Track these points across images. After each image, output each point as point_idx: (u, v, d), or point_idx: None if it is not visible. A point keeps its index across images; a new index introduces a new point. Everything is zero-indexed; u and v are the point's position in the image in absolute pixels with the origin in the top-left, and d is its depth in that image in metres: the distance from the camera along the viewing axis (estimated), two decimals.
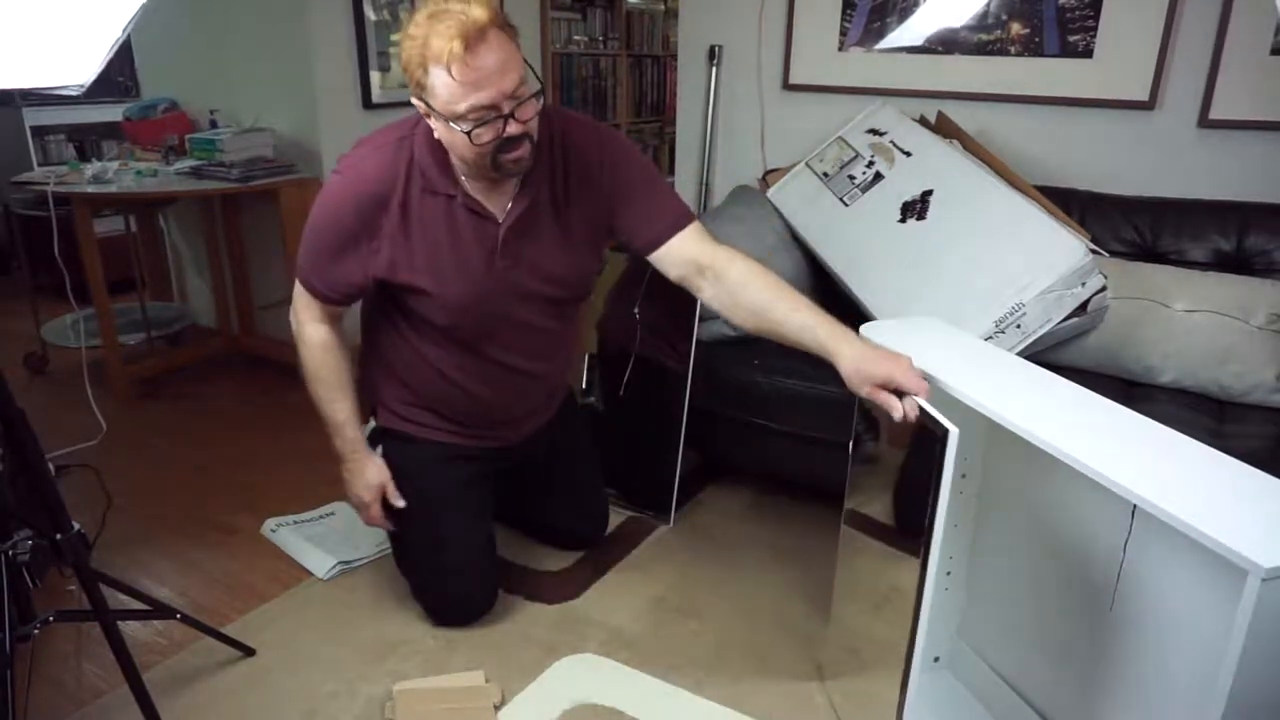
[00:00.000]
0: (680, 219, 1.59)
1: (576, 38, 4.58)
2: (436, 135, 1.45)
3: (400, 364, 1.71)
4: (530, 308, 1.65)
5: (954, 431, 1.14)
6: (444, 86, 1.33)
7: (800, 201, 2.35)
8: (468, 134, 1.36)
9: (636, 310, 2.13)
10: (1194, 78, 2.16)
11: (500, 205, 1.55)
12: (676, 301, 2.04)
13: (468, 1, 1.33)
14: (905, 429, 1.32)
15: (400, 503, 1.74)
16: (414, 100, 1.42)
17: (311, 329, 1.67)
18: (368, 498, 1.73)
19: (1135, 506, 1.09)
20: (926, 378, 1.29)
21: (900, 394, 1.28)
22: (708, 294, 1.56)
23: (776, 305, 1.48)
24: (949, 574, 1.56)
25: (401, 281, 1.56)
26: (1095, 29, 2.24)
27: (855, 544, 1.54)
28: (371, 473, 1.73)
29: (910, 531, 1.37)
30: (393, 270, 1.55)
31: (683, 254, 1.57)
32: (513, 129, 1.38)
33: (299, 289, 1.65)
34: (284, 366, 3.09)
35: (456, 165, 1.51)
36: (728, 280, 1.52)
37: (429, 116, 1.42)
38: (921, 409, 1.23)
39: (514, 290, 1.61)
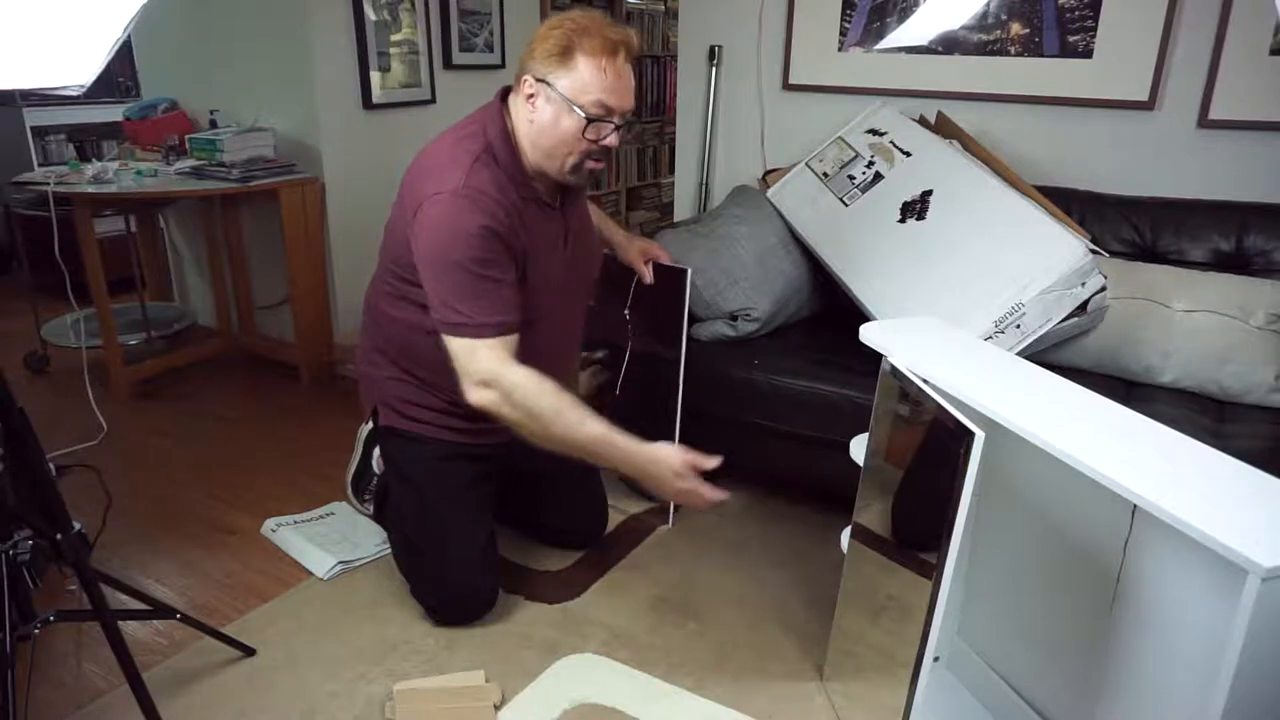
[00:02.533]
0: None
1: None
2: (533, 118, 1.54)
3: (422, 363, 1.71)
4: (578, 289, 1.80)
5: (979, 435, 1.14)
6: (585, 75, 1.48)
7: (800, 201, 2.35)
8: (585, 122, 1.50)
9: (627, 311, 2.13)
10: (1194, 78, 2.16)
11: (553, 198, 1.68)
12: (663, 304, 2.03)
13: (624, 29, 1.52)
14: (912, 442, 1.33)
15: (712, 463, 1.50)
16: (529, 78, 1.52)
17: (515, 373, 1.50)
18: (687, 467, 1.48)
19: (1135, 506, 1.10)
20: (930, 381, 1.30)
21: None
22: None
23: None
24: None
25: (531, 279, 1.62)
26: (1095, 29, 2.24)
27: (855, 554, 1.54)
28: (669, 454, 1.49)
29: (907, 543, 1.37)
30: (529, 269, 1.61)
31: None
32: (613, 140, 1.54)
33: (473, 350, 1.49)
34: (284, 366, 3.10)
35: (532, 164, 1.59)
36: None
37: (535, 99, 1.52)
38: (946, 411, 1.22)
39: (575, 272, 1.76)
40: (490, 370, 1.50)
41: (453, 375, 1.68)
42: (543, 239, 1.64)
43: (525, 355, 1.74)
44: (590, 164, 1.57)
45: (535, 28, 1.58)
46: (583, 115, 1.50)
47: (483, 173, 1.54)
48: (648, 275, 2.00)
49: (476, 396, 1.52)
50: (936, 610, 1.21)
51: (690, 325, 2.07)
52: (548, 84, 1.50)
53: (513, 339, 1.54)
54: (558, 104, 1.51)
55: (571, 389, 1.97)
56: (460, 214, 1.50)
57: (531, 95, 1.53)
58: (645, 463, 1.50)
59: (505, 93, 1.63)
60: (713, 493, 1.50)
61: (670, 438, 2.08)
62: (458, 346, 1.51)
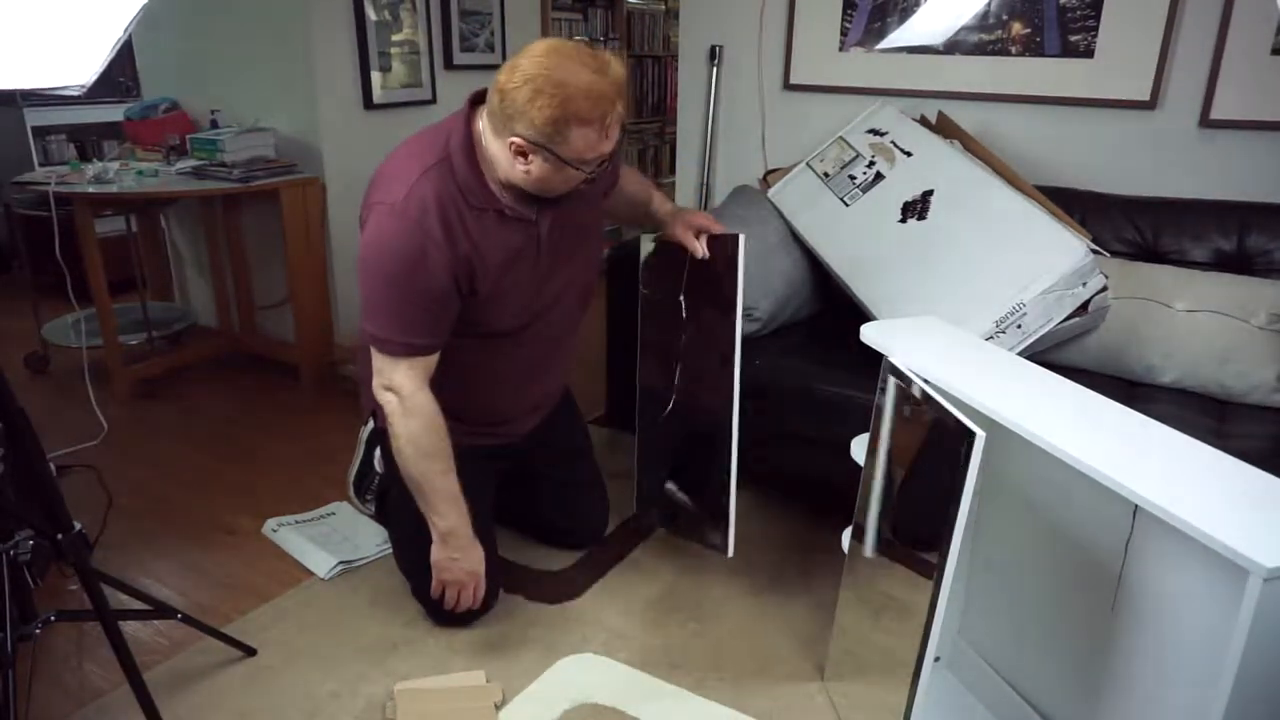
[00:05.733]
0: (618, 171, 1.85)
1: (577, 38, 4.58)
2: (529, 170, 1.48)
3: None
4: (565, 298, 1.74)
5: (980, 435, 1.13)
6: (585, 141, 1.43)
7: (801, 201, 2.35)
8: (587, 176, 1.49)
9: (682, 297, 1.95)
10: (1194, 78, 2.16)
11: (530, 210, 1.61)
12: (717, 280, 1.85)
13: (604, 57, 1.42)
14: (912, 442, 1.33)
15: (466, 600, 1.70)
16: (519, 140, 1.43)
17: (421, 399, 1.56)
18: (481, 571, 1.67)
19: (1136, 507, 1.09)
20: (926, 383, 1.29)
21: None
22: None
23: (639, 196, 1.89)
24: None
25: (484, 294, 1.59)
26: (1096, 29, 2.24)
27: (855, 554, 1.54)
28: (479, 548, 1.66)
29: (908, 543, 1.37)
30: (479, 285, 1.58)
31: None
32: (605, 168, 1.53)
33: (390, 363, 1.55)
34: (284, 366, 3.10)
35: (503, 178, 1.54)
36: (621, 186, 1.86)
37: (529, 155, 1.45)
38: (947, 411, 1.22)
39: (556, 283, 1.70)
40: (397, 383, 1.56)
41: (445, 377, 1.69)
42: (502, 250, 1.59)
43: (506, 362, 1.74)
44: (580, 186, 1.55)
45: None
46: (581, 171, 1.48)
47: (429, 184, 1.50)
48: (700, 249, 1.78)
49: (379, 395, 1.59)
50: (937, 610, 1.21)
51: None
52: (544, 148, 1.44)
53: (427, 360, 1.58)
54: (555, 162, 1.46)
55: (559, 395, 1.96)
56: (393, 230, 1.48)
57: (524, 153, 1.46)
58: (472, 542, 1.64)
59: (475, 98, 1.57)
60: (478, 600, 1.69)
61: (729, 429, 1.92)
62: (374, 353, 1.58)
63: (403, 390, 1.56)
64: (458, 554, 1.63)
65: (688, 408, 1.97)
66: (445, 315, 1.58)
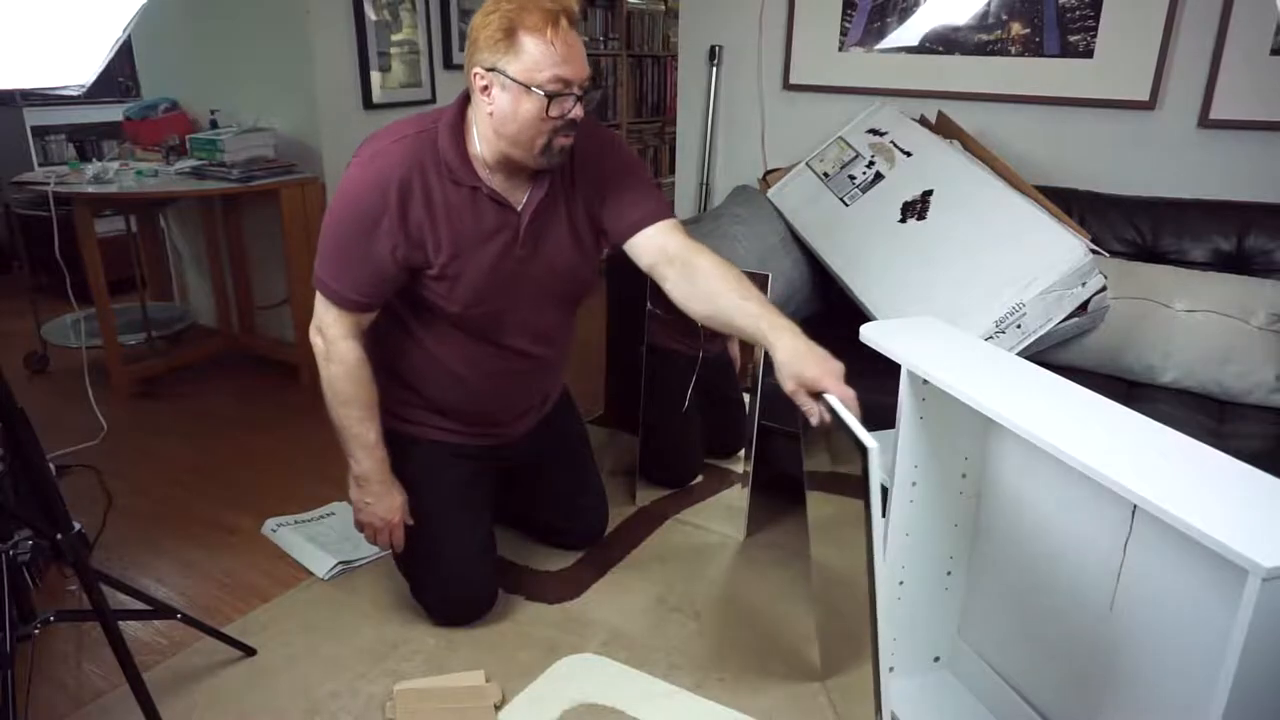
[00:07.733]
0: (660, 212, 1.65)
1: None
2: (492, 109, 1.48)
3: (402, 363, 1.71)
4: (540, 298, 1.70)
5: (874, 448, 1.14)
6: (534, 53, 1.41)
7: (800, 201, 2.35)
8: (547, 100, 1.43)
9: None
10: (1194, 78, 2.16)
11: (517, 197, 1.60)
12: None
13: None
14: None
15: (410, 521, 1.73)
16: (479, 70, 1.45)
17: (344, 347, 1.60)
18: (395, 519, 1.70)
19: (1135, 506, 1.09)
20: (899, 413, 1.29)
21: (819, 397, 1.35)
22: (670, 283, 1.61)
23: (728, 294, 1.53)
24: (949, 574, 1.56)
25: (431, 268, 1.58)
26: (1095, 29, 2.24)
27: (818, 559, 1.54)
28: (397, 495, 1.70)
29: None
30: (423, 256, 1.56)
31: (656, 243, 1.63)
32: (578, 111, 1.47)
33: (324, 305, 1.59)
34: (284, 366, 3.10)
35: (487, 152, 1.53)
36: (692, 269, 1.58)
37: (490, 89, 1.46)
38: (841, 422, 1.23)
39: (529, 279, 1.66)
40: (326, 325, 1.61)
41: (436, 377, 1.69)
42: (470, 229, 1.57)
43: (494, 366, 1.71)
44: (559, 140, 1.50)
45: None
46: (541, 94, 1.43)
47: (400, 150, 1.53)
48: (816, 414, 1.37)
49: (311, 336, 1.64)
50: (879, 620, 1.23)
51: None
52: (498, 71, 1.44)
53: (358, 317, 1.60)
54: (513, 89, 1.44)
55: (553, 399, 1.96)
56: (352, 183, 1.53)
57: (486, 86, 1.47)
58: (387, 487, 1.69)
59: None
60: (400, 543, 1.73)
61: (738, 438, 2.07)
62: (316, 295, 1.61)
63: (329, 334, 1.60)
64: (370, 498, 1.68)
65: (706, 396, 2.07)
66: (381, 280, 1.57)
